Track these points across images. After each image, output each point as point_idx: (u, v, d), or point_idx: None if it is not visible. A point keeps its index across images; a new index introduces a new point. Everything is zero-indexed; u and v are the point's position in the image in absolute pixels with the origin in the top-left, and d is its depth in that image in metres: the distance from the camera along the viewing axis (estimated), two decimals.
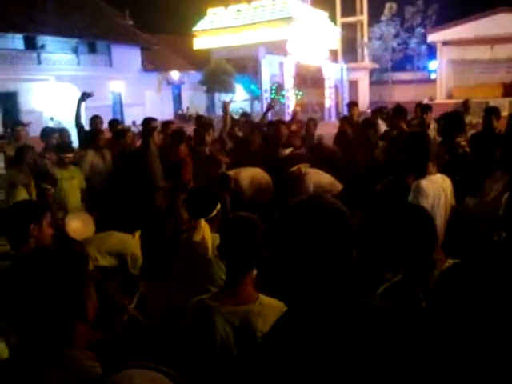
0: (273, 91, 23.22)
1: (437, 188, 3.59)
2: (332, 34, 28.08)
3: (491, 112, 6.52)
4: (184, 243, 2.95)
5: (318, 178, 5.16)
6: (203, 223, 2.82)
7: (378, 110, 8.18)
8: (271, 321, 2.02)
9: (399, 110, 6.99)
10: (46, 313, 1.31)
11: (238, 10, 24.42)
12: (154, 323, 3.01)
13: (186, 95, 28.00)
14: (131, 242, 3.67)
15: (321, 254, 1.32)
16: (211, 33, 24.88)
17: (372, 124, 6.74)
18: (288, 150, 5.80)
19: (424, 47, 32.66)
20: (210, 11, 25.57)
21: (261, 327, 2.01)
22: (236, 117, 10.68)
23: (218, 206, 3.00)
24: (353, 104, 8.25)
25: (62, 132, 6.65)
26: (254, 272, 2.15)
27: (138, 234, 3.75)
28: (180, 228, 4.65)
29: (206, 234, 2.80)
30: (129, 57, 24.37)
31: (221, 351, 2.06)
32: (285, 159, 5.62)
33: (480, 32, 23.98)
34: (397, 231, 2.28)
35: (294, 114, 9.78)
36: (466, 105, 10.05)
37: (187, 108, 27.33)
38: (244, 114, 9.57)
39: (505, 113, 20.02)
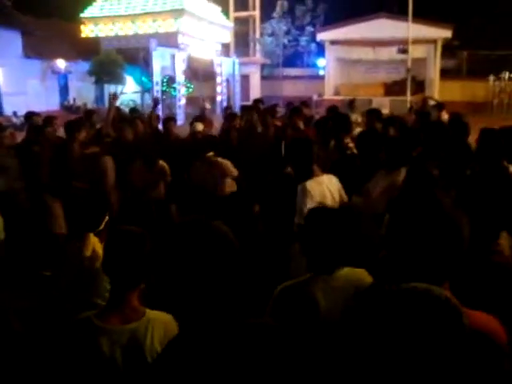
0: (164, 84, 22.79)
1: (322, 188, 3.71)
2: (224, 29, 28.13)
3: (373, 113, 6.90)
4: (72, 256, 2.75)
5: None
6: (92, 237, 2.67)
7: (270, 109, 8.34)
8: (159, 335, 1.99)
9: (295, 109, 7.23)
10: None
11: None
12: None
13: (73, 85, 26.59)
14: None
15: (205, 276, 1.32)
16: (100, 21, 23.81)
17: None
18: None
19: (313, 45, 33.78)
20: None
21: (148, 343, 1.99)
22: (126, 109, 10.33)
23: (107, 218, 2.84)
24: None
25: None
26: (141, 286, 2.08)
27: None
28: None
29: (97, 246, 2.65)
30: (6, 41, 22.47)
31: (106, 371, 1.99)
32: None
33: (364, 34, 25.33)
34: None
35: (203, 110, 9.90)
36: (352, 104, 10.55)
37: (74, 99, 26.03)
38: (133, 110, 9.29)
39: (386, 110, 21.30)
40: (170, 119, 7.67)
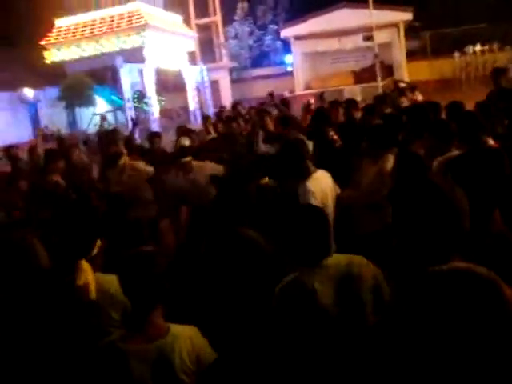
0: (135, 100, 22.69)
1: (322, 186, 3.76)
2: (188, 37, 28.10)
3: (350, 104, 7.00)
4: (66, 288, 2.64)
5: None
6: (85, 264, 2.57)
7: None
8: (186, 350, 2.01)
9: (263, 110, 7.28)
10: None
11: (94, 20, 23.43)
12: None
13: (43, 113, 26.35)
14: None
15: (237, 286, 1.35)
16: (64, 45, 23.59)
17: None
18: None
19: (278, 43, 33.92)
20: (60, 22, 24.22)
21: (177, 359, 2.01)
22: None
23: (99, 242, 2.75)
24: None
25: None
26: (161, 304, 2.10)
27: None
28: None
29: (90, 276, 2.52)
30: None
31: None
32: None
33: (327, 26, 25.51)
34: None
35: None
36: (322, 97, 10.71)
37: (46, 126, 25.76)
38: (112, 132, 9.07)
39: (358, 98, 21.47)
40: (154, 135, 7.49)
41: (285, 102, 9.72)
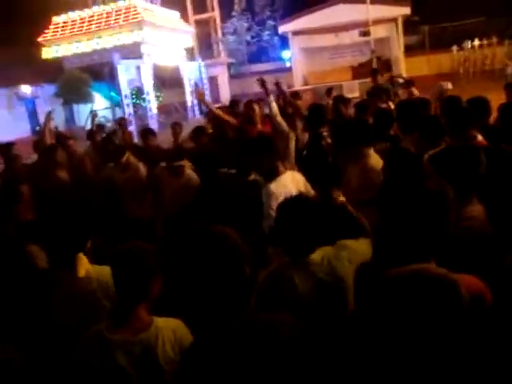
0: (133, 96, 22.70)
1: (287, 188, 3.68)
2: (186, 33, 28.08)
3: (338, 101, 7.00)
4: (65, 281, 2.76)
5: None
6: (83, 257, 2.70)
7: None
8: (169, 342, 2.07)
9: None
10: None
11: (90, 16, 23.40)
12: None
13: (41, 110, 26.29)
14: None
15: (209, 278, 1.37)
16: (61, 41, 23.58)
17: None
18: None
19: (276, 38, 33.94)
20: (57, 19, 24.20)
21: (160, 351, 2.08)
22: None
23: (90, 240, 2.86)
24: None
25: None
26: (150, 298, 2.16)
27: None
28: None
29: (88, 267, 2.69)
30: None
31: (122, 382, 2.05)
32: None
33: (325, 21, 25.49)
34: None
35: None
36: (329, 92, 10.71)
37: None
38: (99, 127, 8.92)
39: (356, 93, 21.34)
40: (146, 132, 7.27)
41: (295, 94, 9.63)
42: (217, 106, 8.40)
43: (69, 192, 5.47)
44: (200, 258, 1.37)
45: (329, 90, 10.94)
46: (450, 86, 9.42)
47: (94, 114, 6.97)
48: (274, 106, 5.52)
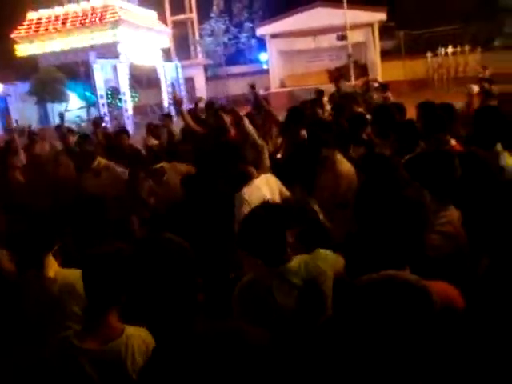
0: (109, 96, 22.44)
1: (260, 193, 3.64)
2: (163, 33, 27.92)
3: (314, 103, 7.06)
4: (32, 282, 2.69)
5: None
6: (52, 258, 2.63)
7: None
8: (139, 350, 2.02)
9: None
10: None
11: (66, 14, 23.05)
12: None
13: (14, 107, 25.82)
14: None
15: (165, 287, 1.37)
16: (36, 38, 23.17)
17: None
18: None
19: (254, 41, 33.92)
20: (31, 15, 23.76)
21: (129, 360, 2.01)
22: (72, 126, 10.01)
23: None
24: None
25: None
26: (119, 304, 2.09)
27: None
28: None
29: (57, 269, 2.62)
30: None
31: None
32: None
33: (303, 24, 25.61)
34: None
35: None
36: (320, 94, 10.66)
37: (16, 121, 25.23)
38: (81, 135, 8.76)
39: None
40: (121, 133, 7.16)
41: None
42: (191, 106, 8.32)
43: (21, 193, 5.35)
44: (150, 268, 1.40)
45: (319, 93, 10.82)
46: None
47: (60, 113, 6.90)
48: (248, 126, 5.29)
